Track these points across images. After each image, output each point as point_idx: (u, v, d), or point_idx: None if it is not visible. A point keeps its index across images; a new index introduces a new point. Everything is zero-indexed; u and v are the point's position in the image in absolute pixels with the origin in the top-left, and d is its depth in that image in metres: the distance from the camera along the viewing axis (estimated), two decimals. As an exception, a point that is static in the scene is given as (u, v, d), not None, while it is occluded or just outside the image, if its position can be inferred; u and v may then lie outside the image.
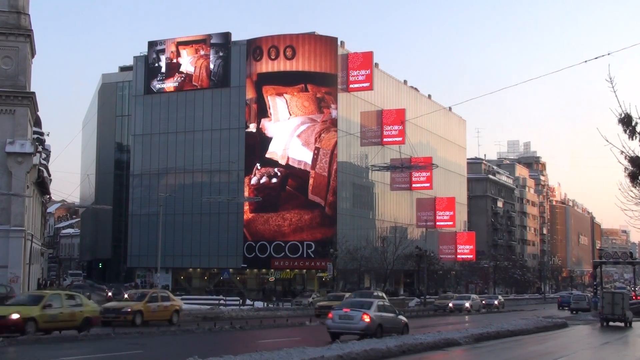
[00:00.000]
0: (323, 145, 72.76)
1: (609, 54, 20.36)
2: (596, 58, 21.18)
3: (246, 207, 74.00)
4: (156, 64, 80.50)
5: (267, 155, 73.96)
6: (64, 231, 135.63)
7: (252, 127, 75.25)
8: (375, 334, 24.70)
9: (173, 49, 79.89)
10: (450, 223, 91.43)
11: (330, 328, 25.66)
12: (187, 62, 79.29)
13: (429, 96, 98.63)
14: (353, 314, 25.34)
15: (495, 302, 67.05)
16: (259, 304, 56.12)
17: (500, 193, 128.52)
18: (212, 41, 78.59)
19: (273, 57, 74.55)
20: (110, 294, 55.99)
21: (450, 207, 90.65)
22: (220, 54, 78.02)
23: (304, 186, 72.97)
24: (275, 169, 73.85)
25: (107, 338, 24.89)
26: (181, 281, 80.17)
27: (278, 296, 68.79)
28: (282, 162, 73.45)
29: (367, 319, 25.03)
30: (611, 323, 39.76)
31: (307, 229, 72.52)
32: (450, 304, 57.56)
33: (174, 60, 79.85)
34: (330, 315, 26.32)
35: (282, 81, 74.39)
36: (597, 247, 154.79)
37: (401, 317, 28.01)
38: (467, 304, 57.84)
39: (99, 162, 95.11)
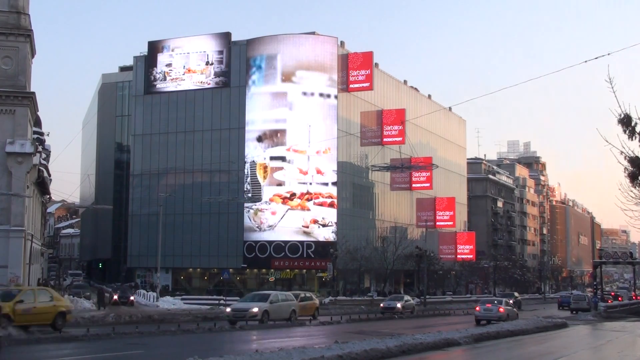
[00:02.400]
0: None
1: (609, 54, 20.40)
2: (596, 58, 21.21)
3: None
4: (156, 64, 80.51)
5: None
6: (64, 231, 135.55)
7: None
8: (506, 320, 37.47)
9: (173, 48, 79.89)
10: (450, 223, 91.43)
11: (477, 316, 39.56)
12: (187, 62, 79.31)
13: (429, 96, 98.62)
14: (492, 308, 39.75)
15: (398, 306, 49.61)
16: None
17: (500, 193, 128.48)
18: (212, 41, 78.59)
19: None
20: (115, 297, 48.76)
21: (450, 207, 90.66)
22: (220, 54, 78.02)
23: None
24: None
25: (107, 338, 24.88)
26: (181, 281, 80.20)
27: None
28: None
29: (502, 310, 39.39)
30: None
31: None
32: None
33: (174, 60, 79.85)
34: (477, 308, 41.04)
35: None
36: (597, 247, 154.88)
37: (515, 309, 43.53)
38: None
39: (99, 162, 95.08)
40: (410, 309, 51.89)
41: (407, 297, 55.55)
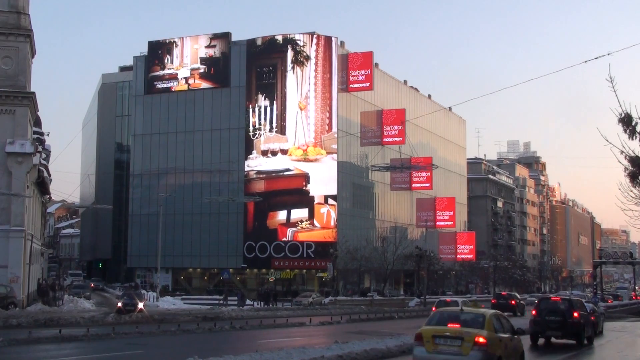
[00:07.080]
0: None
1: (609, 54, 20.29)
2: (596, 58, 21.15)
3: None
4: (156, 64, 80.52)
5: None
6: (64, 231, 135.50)
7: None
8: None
9: (173, 48, 79.91)
10: (450, 223, 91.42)
11: None
12: (187, 62, 79.35)
13: (429, 96, 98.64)
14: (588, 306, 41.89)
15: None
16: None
17: (500, 193, 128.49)
18: (212, 41, 78.60)
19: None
20: (120, 304, 38.33)
21: (450, 207, 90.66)
22: (220, 53, 78.03)
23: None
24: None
25: (107, 338, 24.87)
26: (181, 281, 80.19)
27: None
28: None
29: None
30: None
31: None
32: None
33: (174, 60, 79.86)
34: None
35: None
36: (597, 247, 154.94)
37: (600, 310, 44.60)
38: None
39: (99, 162, 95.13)
40: None
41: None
